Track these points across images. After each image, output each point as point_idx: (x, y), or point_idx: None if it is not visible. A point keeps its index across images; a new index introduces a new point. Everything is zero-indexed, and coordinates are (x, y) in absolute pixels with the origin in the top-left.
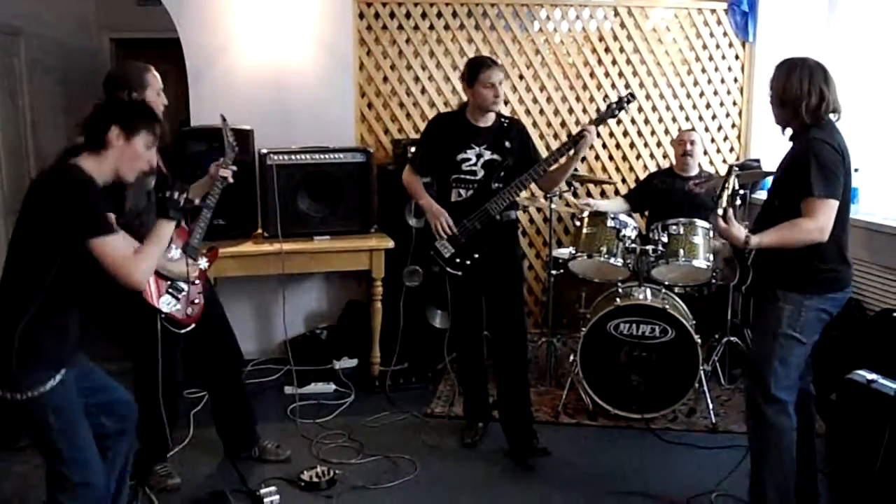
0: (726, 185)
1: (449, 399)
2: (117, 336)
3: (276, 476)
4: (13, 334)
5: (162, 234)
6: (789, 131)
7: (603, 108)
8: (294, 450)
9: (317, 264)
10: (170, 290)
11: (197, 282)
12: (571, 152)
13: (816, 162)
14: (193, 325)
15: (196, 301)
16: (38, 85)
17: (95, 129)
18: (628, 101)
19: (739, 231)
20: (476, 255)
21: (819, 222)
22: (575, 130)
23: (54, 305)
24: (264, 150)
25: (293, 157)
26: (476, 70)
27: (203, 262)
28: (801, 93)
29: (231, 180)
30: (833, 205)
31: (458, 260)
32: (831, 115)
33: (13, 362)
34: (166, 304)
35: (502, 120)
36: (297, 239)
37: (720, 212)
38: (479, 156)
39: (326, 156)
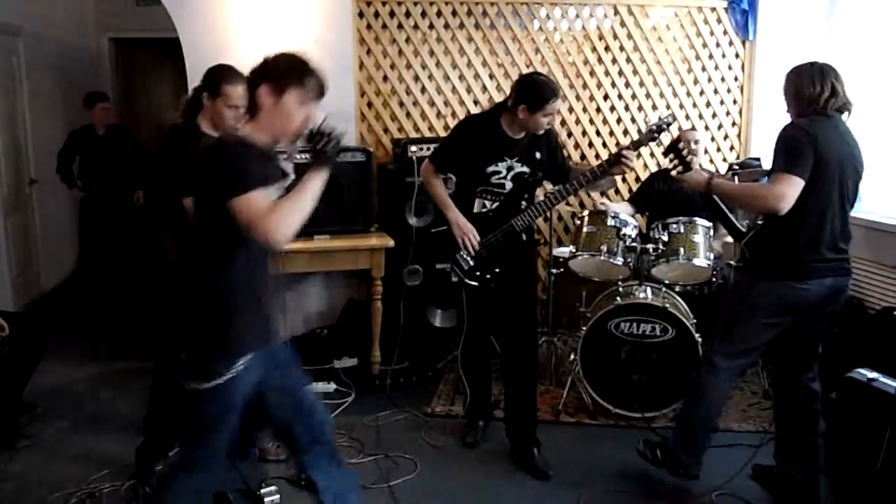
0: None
1: (449, 398)
2: (144, 333)
3: (276, 476)
4: (213, 322)
5: (308, 186)
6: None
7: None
8: None
9: (317, 264)
10: None
11: None
12: (605, 175)
13: (782, 142)
14: None
15: None
16: (36, 84)
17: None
18: (668, 125)
19: (700, 174)
20: (497, 270)
21: (775, 190)
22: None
23: (244, 286)
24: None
25: (294, 156)
26: (543, 99)
27: None
28: (813, 91)
29: (292, 176)
30: (794, 181)
31: (478, 273)
32: (837, 113)
33: (209, 351)
34: None
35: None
36: (297, 238)
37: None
38: (509, 168)
39: None
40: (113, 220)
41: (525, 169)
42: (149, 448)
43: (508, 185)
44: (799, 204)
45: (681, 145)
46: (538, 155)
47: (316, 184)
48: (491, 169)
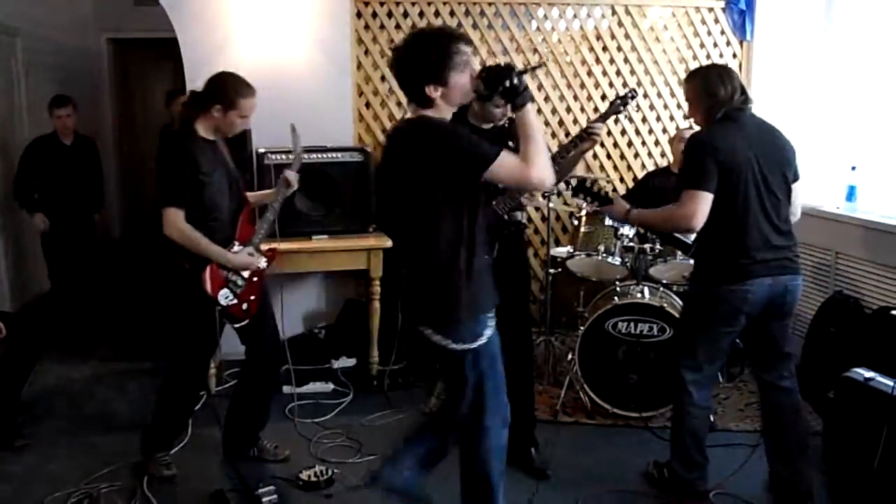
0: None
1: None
2: (156, 329)
3: (274, 475)
4: (458, 289)
5: (529, 124)
6: None
7: (604, 106)
8: (292, 449)
9: (315, 264)
10: (229, 284)
11: (255, 279)
12: (576, 149)
13: (685, 158)
14: (247, 321)
15: (253, 298)
16: (35, 84)
17: (414, 92)
18: (632, 97)
19: (621, 206)
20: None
21: (684, 210)
22: (573, 130)
23: (472, 251)
24: (262, 150)
25: (290, 156)
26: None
27: (262, 262)
28: (702, 97)
29: (295, 186)
30: (700, 195)
31: None
32: (736, 111)
33: (461, 315)
34: (225, 297)
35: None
36: (295, 238)
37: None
38: None
39: (324, 155)
40: (79, 248)
41: None
42: (157, 436)
43: None
44: (717, 213)
45: (587, 183)
46: (511, 143)
47: (531, 118)
48: None
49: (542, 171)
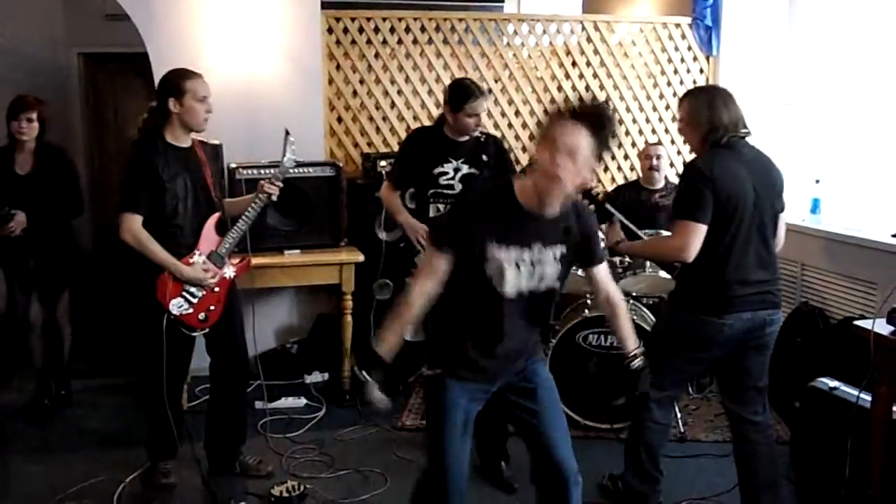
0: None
1: (420, 412)
2: (129, 344)
3: (247, 491)
4: None
5: None
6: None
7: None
8: None
9: (287, 278)
10: (184, 294)
11: (217, 289)
12: None
13: (681, 187)
14: (207, 330)
15: (212, 308)
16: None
17: None
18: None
19: (617, 235)
20: None
21: (676, 242)
22: None
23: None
24: (233, 165)
25: (262, 171)
26: (462, 99)
27: (229, 272)
28: (702, 120)
29: (275, 199)
30: (694, 227)
31: None
32: (732, 138)
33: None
34: (177, 306)
35: (479, 135)
36: (267, 253)
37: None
38: (456, 170)
39: (296, 170)
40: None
41: (473, 170)
42: (155, 449)
43: (458, 185)
44: (706, 243)
45: (592, 192)
46: (484, 157)
47: None
48: (438, 170)
49: None
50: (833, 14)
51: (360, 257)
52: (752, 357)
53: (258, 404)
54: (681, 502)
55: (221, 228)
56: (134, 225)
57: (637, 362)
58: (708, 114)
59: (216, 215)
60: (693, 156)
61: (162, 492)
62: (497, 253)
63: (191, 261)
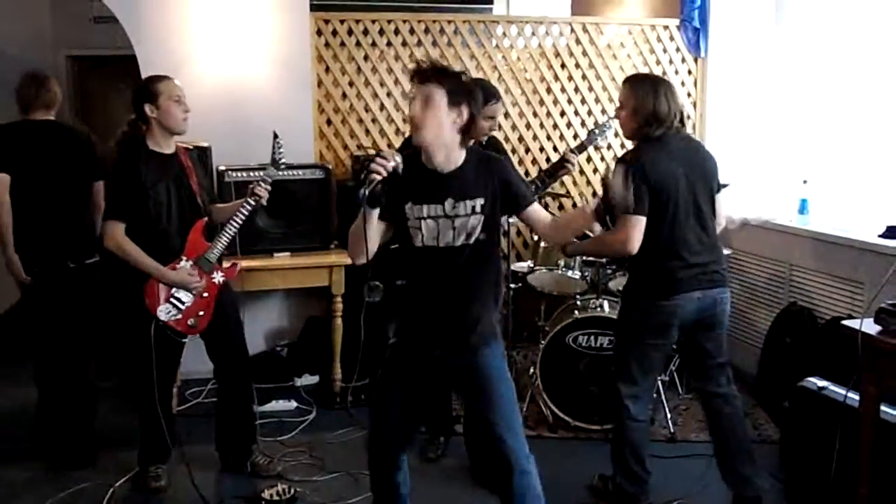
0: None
1: None
2: (116, 346)
3: (237, 495)
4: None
5: None
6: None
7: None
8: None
9: (276, 281)
10: (172, 300)
11: (206, 294)
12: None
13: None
14: (197, 336)
15: (202, 313)
16: None
17: None
18: (606, 128)
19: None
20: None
21: (619, 236)
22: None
23: None
24: (222, 167)
25: (251, 173)
26: (484, 100)
27: (218, 276)
28: (647, 108)
29: (264, 202)
30: (633, 220)
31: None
32: (666, 131)
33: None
34: (165, 312)
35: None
36: (257, 256)
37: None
38: None
39: (285, 172)
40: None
41: None
42: (146, 453)
43: None
44: (647, 231)
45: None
46: None
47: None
48: None
49: None
50: (820, 15)
51: (349, 260)
52: (707, 336)
53: None
54: (671, 502)
55: (209, 234)
56: (117, 232)
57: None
58: (653, 102)
59: (202, 221)
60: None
61: (153, 496)
62: (412, 212)
63: (177, 266)
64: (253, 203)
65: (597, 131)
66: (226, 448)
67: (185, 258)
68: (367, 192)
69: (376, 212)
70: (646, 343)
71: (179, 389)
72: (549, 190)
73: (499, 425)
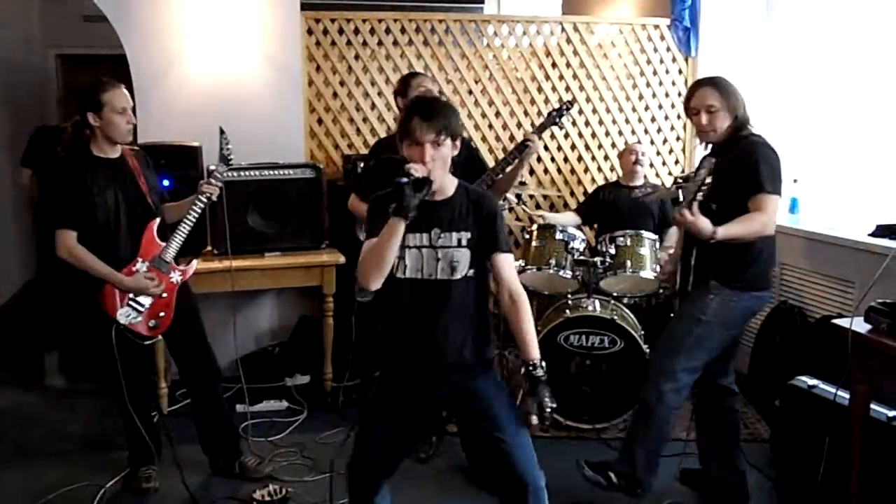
0: (697, 180)
1: None
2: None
3: (228, 496)
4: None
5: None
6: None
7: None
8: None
9: (267, 281)
10: (130, 303)
11: (165, 295)
12: (516, 161)
13: (765, 162)
14: (159, 337)
15: (162, 314)
16: None
17: None
18: (567, 109)
19: (706, 223)
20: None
21: (769, 215)
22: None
23: None
24: (212, 167)
25: (242, 173)
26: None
27: (175, 277)
28: (740, 103)
29: (214, 199)
30: (778, 201)
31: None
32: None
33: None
34: (124, 315)
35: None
36: (248, 256)
37: (692, 204)
38: None
39: (276, 172)
40: None
41: None
42: (134, 456)
43: None
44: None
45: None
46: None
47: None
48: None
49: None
50: (810, 15)
51: (342, 259)
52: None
53: (239, 407)
54: (660, 501)
55: (162, 234)
56: (68, 241)
57: (540, 372)
58: (743, 104)
59: (155, 221)
60: (704, 147)
61: (143, 496)
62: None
63: (133, 269)
64: (204, 201)
65: (554, 113)
66: (211, 450)
67: (140, 260)
68: (411, 179)
69: (402, 225)
70: (725, 334)
71: (170, 389)
72: (544, 191)
73: (505, 441)
